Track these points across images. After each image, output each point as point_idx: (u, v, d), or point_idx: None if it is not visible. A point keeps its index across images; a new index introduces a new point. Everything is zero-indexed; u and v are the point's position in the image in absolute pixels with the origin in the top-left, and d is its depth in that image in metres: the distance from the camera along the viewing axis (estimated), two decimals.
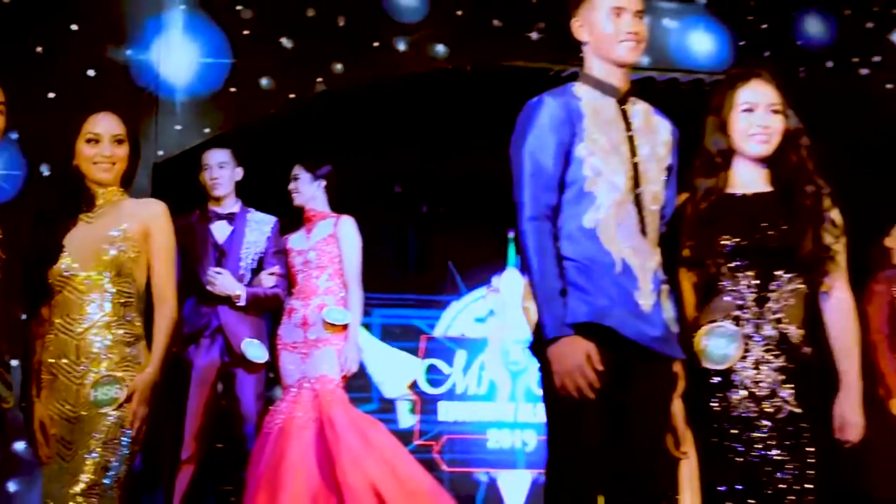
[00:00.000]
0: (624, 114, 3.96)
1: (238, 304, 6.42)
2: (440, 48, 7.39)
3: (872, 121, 8.05)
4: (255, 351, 6.41)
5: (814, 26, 7.98)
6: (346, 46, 7.26)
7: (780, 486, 3.90)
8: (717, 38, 7.85)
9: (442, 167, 8.79)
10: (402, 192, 9.18)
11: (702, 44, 7.85)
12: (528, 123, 3.86)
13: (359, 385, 8.42)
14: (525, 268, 3.81)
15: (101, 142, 4.66)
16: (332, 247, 6.67)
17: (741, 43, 7.84)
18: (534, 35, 7.49)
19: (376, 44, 7.31)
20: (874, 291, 7.21)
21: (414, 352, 9.34)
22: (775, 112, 4.10)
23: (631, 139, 3.94)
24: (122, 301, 4.60)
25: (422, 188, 9.18)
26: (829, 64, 7.95)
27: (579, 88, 3.96)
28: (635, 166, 3.91)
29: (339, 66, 7.23)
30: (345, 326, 6.62)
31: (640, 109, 4.03)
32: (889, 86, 8.02)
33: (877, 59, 8.02)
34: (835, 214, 4.10)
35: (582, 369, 3.65)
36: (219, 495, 6.66)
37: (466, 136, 8.03)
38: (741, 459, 3.95)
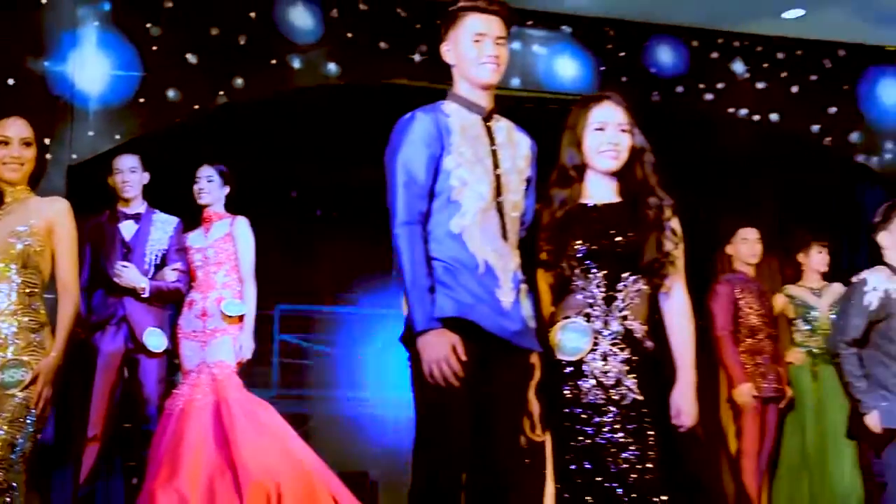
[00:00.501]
0: (488, 130, 3.98)
1: (142, 296, 6.35)
2: (332, 66, 7.36)
3: (717, 141, 8.18)
4: (154, 340, 6.34)
5: (665, 55, 8.08)
6: (246, 63, 7.21)
7: (624, 465, 3.92)
8: (581, 64, 7.89)
9: (335, 175, 8.75)
10: (298, 197, 9.12)
11: (567, 69, 7.88)
12: (401, 137, 3.86)
13: (260, 372, 8.42)
14: (398, 267, 3.81)
15: (11, 144, 4.60)
16: (229, 245, 6.63)
17: (602, 69, 7.90)
18: (416, 57, 7.49)
19: (274, 61, 7.26)
20: (718, 292, 7.26)
21: None
22: (623, 131, 4.13)
23: (494, 153, 3.95)
24: (27, 291, 4.55)
25: (316, 194, 9.12)
26: (679, 89, 8.05)
27: (448, 106, 3.98)
28: (498, 177, 3.92)
29: (239, 81, 7.16)
30: (241, 317, 6.58)
31: (503, 126, 4.04)
32: (731, 110, 8.14)
33: (720, 85, 8.14)
34: (675, 224, 4.15)
35: (448, 359, 3.66)
36: (124, 471, 6.56)
37: (356, 147, 7.98)
38: (590, 441, 3.96)
